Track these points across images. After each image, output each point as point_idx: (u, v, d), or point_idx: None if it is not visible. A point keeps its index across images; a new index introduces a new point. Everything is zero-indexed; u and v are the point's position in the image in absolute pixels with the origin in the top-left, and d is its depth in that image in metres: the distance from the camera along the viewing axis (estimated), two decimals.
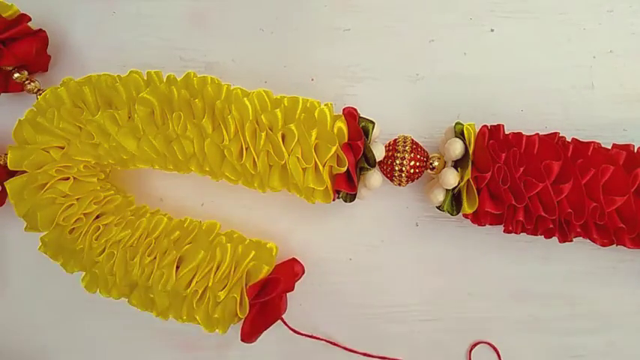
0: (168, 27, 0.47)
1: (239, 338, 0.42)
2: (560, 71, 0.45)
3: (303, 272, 0.45)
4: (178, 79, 0.41)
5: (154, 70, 0.42)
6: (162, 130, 0.41)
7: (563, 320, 0.45)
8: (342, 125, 0.40)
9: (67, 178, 0.43)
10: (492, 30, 0.45)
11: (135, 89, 0.42)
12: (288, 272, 0.43)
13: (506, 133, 0.39)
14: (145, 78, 0.42)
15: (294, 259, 0.45)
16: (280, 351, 0.47)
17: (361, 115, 0.41)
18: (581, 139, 0.39)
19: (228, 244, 0.43)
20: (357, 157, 0.39)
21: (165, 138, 0.41)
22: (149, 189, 0.47)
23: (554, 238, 0.40)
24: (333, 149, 0.39)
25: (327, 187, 0.40)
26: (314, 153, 0.39)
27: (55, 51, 0.47)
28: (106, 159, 0.43)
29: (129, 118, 0.41)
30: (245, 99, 0.40)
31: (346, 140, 0.40)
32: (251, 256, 0.43)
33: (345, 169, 0.39)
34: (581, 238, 0.40)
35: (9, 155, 0.43)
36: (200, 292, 0.42)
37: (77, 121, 0.42)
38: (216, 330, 0.42)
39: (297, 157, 0.39)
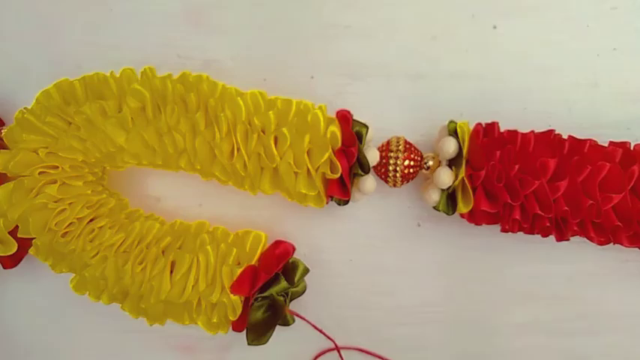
0: (165, 24, 0.49)
1: (239, 340, 0.46)
2: (564, 69, 0.47)
3: (292, 250, 0.47)
4: (174, 78, 0.44)
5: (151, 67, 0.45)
6: (153, 122, 0.44)
7: (565, 321, 0.48)
8: (335, 130, 0.42)
9: (55, 181, 0.45)
10: (495, 27, 0.48)
11: (127, 83, 0.44)
12: (269, 258, 0.46)
13: (502, 131, 0.43)
14: (140, 77, 0.45)
15: (276, 242, 0.48)
16: (282, 353, 0.51)
17: (355, 119, 0.44)
18: (584, 138, 0.42)
19: (208, 247, 0.45)
20: (350, 163, 0.43)
21: (156, 131, 0.43)
22: (147, 189, 0.51)
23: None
24: (326, 155, 0.42)
25: (319, 192, 0.43)
26: (306, 158, 0.42)
27: (52, 50, 0.50)
28: (93, 153, 0.45)
29: (119, 111, 0.44)
30: (239, 98, 0.42)
31: (340, 145, 0.43)
32: (233, 254, 0.46)
33: (338, 175, 0.43)
34: (583, 238, 0.43)
35: (0, 158, 0.45)
36: (195, 301, 0.45)
37: (65, 114, 0.44)
38: (219, 331, 0.46)
39: (289, 163, 0.42)
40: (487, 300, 0.50)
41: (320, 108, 0.44)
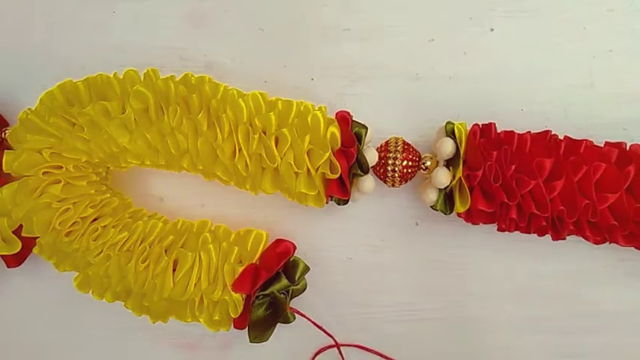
0: (168, 27, 0.50)
1: (240, 337, 0.47)
2: (560, 70, 0.48)
3: (294, 249, 0.48)
4: (177, 79, 0.44)
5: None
6: (156, 123, 0.44)
7: (563, 319, 0.49)
8: (335, 130, 0.43)
9: (59, 181, 0.45)
10: (492, 29, 0.48)
11: (130, 85, 0.45)
12: (270, 257, 0.47)
13: (499, 131, 0.43)
14: (143, 78, 0.45)
15: (277, 241, 0.48)
16: (283, 350, 0.52)
17: (354, 120, 0.44)
18: (581, 138, 0.43)
19: (210, 246, 0.46)
20: (350, 164, 0.43)
21: (159, 131, 0.44)
22: (150, 189, 0.51)
23: None
24: (326, 156, 0.42)
25: (319, 192, 0.44)
26: (306, 158, 0.43)
27: (54, 51, 0.50)
28: (97, 153, 0.45)
29: (123, 112, 0.44)
30: (240, 100, 0.43)
31: (339, 145, 0.43)
32: (235, 253, 0.46)
33: (337, 175, 0.43)
34: (579, 237, 0.44)
35: (5, 158, 0.46)
36: (197, 299, 0.46)
37: (69, 115, 0.45)
38: (221, 329, 0.47)
39: (290, 163, 0.43)
40: (484, 298, 0.50)
41: (320, 109, 0.44)
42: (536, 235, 0.44)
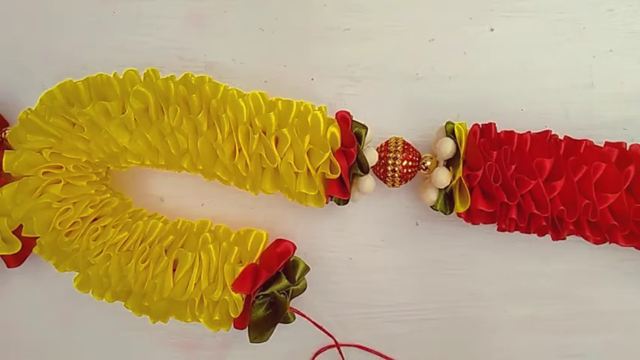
0: (168, 27, 0.50)
1: (240, 337, 0.47)
2: (560, 70, 0.48)
3: (294, 249, 0.48)
4: (177, 79, 0.45)
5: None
6: (156, 124, 0.44)
7: (563, 320, 0.49)
8: (335, 131, 0.43)
9: (59, 181, 0.45)
10: (492, 29, 0.48)
11: (130, 85, 0.45)
12: (270, 257, 0.47)
13: (499, 131, 0.43)
14: (143, 78, 0.45)
15: (277, 241, 0.48)
16: (283, 350, 0.51)
17: (354, 120, 0.44)
18: (581, 138, 0.43)
19: (210, 246, 0.46)
20: (350, 163, 0.43)
21: (159, 131, 0.44)
22: (150, 189, 0.51)
23: None
24: (326, 156, 0.42)
25: (319, 192, 0.44)
26: (306, 158, 0.43)
27: (55, 51, 0.50)
28: (97, 153, 0.45)
29: (123, 112, 0.44)
30: (240, 100, 0.43)
31: (339, 145, 0.43)
32: (235, 253, 0.46)
33: (337, 175, 0.43)
34: (579, 237, 0.44)
35: (5, 158, 0.45)
36: (197, 299, 0.45)
37: (69, 114, 0.45)
38: (221, 329, 0.46)
39: (290, 163, 0.43)
40: (484, 298, 0.50)
41: (320, 109, 0.44)
42: (536, 235, 0.44)
